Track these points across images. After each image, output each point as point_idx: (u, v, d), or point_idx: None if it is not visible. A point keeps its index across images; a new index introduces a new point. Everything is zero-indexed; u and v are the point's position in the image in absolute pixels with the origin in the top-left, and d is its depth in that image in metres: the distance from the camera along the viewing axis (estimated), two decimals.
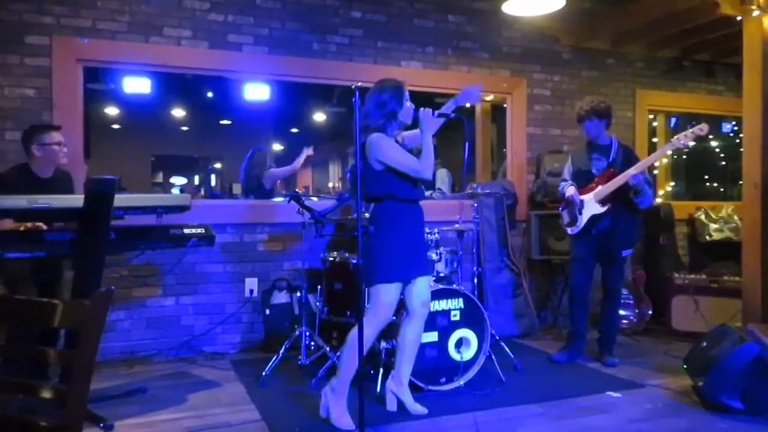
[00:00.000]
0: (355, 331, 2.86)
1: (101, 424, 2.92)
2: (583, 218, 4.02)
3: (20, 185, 3.19)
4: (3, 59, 3.91)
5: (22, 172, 3.32)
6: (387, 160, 2.91)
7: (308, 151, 5.65)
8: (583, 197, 4.02)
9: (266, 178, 5.47)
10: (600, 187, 3.97)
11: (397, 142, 3.05)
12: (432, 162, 2.97)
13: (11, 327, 3.14)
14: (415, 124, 3.05)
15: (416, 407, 3.12)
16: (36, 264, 3.18)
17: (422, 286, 3.11)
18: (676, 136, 3.86)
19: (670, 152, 4.50)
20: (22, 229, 2.98)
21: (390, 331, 3.49)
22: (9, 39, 3.92)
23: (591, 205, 3.99)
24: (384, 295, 2.96)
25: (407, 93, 3.02)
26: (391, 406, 3.15)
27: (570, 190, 4.07)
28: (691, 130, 3.80)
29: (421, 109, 2.98)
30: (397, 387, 3.14)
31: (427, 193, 4.17)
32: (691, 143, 3.80)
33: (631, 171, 3.82)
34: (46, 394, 1.37)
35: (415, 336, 3.14)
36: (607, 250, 4.05)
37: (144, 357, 4.19)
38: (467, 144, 3.13)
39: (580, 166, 4.14)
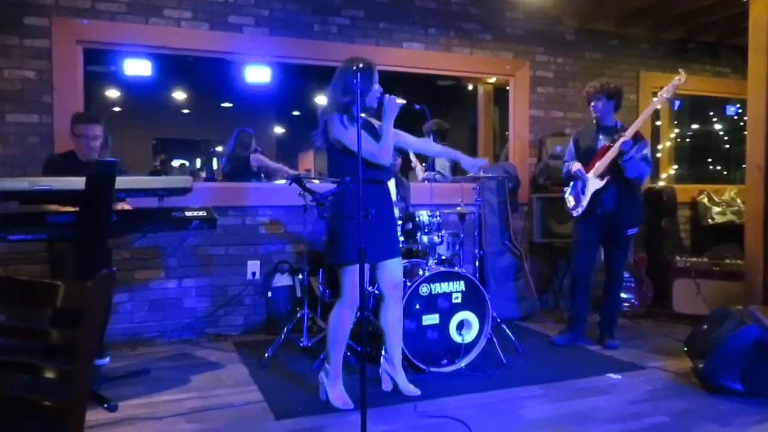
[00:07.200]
0: (334, 316, 2.99)
1: (105, 405, 2.94)
2: (587, 197, 4.01)
3: (65, 170, 3.25)
4: (2, 41, 3.88)
5: (68, 158, 3.43)
6: (344, 141, 2.86)
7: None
8: (587, 175, 4.02)
9: (253, 159, 5.28)
10: (597, 163, 3.98)
11: (368, 124, 3.00)
12: (389, 148, 2.90)
13: (22, 309, 3.16)
14: (380, 109, 2.98)
15: (409, 387, 3.15)
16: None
17: (391, 268, 3.09)
18: (659, 92, 3.94)
19: (659, 107, 4.71)
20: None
21: None
22: (8, 20, 3.88)
23: (592, 182, 4.00)
24: (350, 276, 2.94)
25: (377, 74, 2.95)
26: (386, 386, 3.20)
27: (576, 165, 4.06)
28: (671, 83, 3.84)
29: (386, 95, 2.93)
30: (391, 368, 3.18)
31: (430, 175, 4.15)
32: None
33: (624, 137, 3.89)
34: (51, 374, 1.38)
35: (394, 319, 3.15)
36: (612, 230, 4.05)
37: (147, 339, 4.21)
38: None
39: (586, 146, 4.13)
